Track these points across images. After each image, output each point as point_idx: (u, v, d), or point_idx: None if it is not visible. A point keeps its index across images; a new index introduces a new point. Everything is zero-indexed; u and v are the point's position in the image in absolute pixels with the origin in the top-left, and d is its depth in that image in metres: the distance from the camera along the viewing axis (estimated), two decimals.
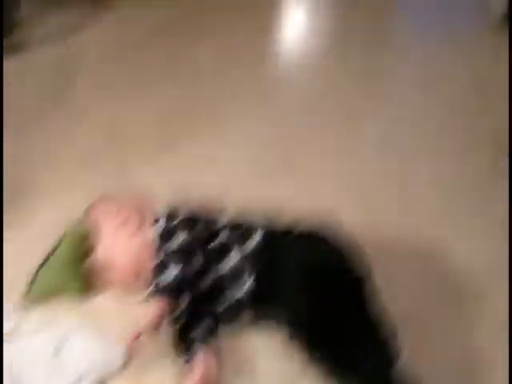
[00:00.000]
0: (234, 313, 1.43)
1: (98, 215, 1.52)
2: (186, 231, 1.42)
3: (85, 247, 1.48)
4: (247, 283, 1.39)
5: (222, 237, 1.43)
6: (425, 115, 2.12)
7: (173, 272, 1.36)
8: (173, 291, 1.36)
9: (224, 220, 1.47)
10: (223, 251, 1.41)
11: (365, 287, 1.38)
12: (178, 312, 1.37)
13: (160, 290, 1.37)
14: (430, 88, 2.29)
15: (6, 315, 1.44)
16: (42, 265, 1.50)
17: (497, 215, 1.70)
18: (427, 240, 1.64)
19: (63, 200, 1.77)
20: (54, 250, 1.50)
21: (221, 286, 1.41)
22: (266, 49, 2.59)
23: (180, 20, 2.73)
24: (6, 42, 2.37)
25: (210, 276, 1.40)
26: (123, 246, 1.48)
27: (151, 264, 1.44)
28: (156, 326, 1.36)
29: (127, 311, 1.46)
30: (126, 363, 1.36)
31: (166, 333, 1.38)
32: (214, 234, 1.43)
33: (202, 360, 1.33)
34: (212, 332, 1.41)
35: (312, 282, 1.36)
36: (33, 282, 1.49)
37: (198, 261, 1.39)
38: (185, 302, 1.37)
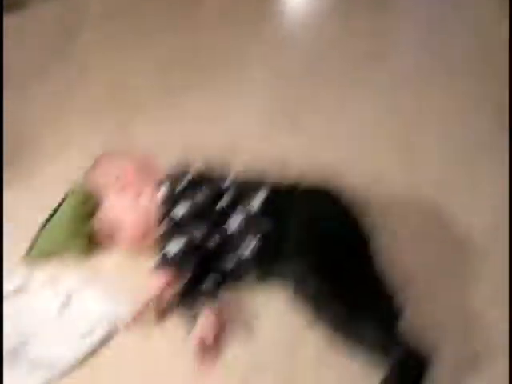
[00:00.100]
0: (239, 271, 1.43)
1: (100, 178, 1.53)
2: (190, 199, 1.41)
3: (89, 206, 1.49)
4: (252, 243, 1.39)
5: (227, 198, 1.43)
6: (428, 77, 2.11)
7: (178, 244, 1.36)
8: (178, 263, 1.36)
9: (228, 180, 1.47)
10: (227, 213, 1.41)
11: (369, 244, 1.39)
12: (183, 282, 1.39)
13: (166, 262, 1.36)
14: (433, 50, 2.28)
15: (10, 274, 1.45)
16: (45, 223, 1.50)
17: (499, 176, 1.70)
18: (429, 199, 1.64)
19: (64, 157, 1.78)
20: (57, 209, 1.50)
21: (226, 246, 1.41)
22: (271, 7, 2.56)
23: None
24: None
25: (216, 237, 1.41)
26: (128, 207, 1.48)
27: (156, 228, 1.45)
28: (162, 297, 1.37)
29: (134, 269, 1.47)
30: (134, 318, 1.37)
31: (173, 298, 1.39)
32: (219, 196, 1.43)
33: (207, 315, 1.35)
34: (218, 288, 1.42)
35: (316, 239, 1.36)
36: (36, 240, 1.50)
37: (202, 229, 1.39)
38: (190, 271, 1.38)
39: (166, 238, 1.38)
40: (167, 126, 1.90)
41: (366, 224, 1.41)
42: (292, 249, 1.36)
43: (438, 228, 1.57)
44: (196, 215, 1.39)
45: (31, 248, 1.50)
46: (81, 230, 1.50)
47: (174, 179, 1.47)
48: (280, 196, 1.43)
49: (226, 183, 1.46)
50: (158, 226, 1.44)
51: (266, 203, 1.41)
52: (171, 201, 1.42)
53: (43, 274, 1.47)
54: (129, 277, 1.47)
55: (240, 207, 1.42)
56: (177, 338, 1.35)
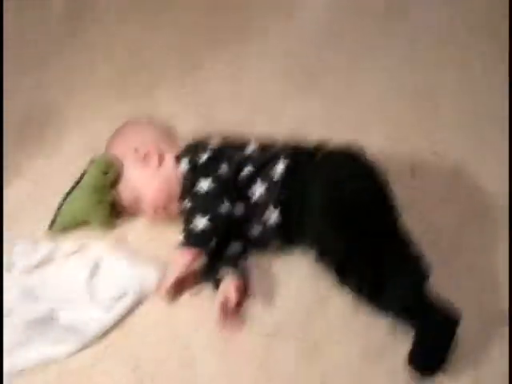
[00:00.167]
0: (263, 239, 1.44)
1: (120, 148, 1.52)
2: (213, 173, 1.40)
3: (110, 177, 1.49)
4: (275, 211, 1.39)
5: (249, 168, 1.42)
6: (447, 35, 2.09)
7: (203, 220, 1.35)
8: (205, 239, 1.36)
9: (249, 148, 1.46)
10: (250, 182, 1.41)
11: (394, 204, 1.38)
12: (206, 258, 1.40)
13: (192, 238, 1.36)
14: (456, 6, 2.21)
15: (33, 247, 1.47)
16: (67, 194, 1.51)
17: None
18: (453, 162, 1.64)
19: (87, 130, 1.78)
20: (80, 179, 1.51)
21: (250, 215, 1.42)
22: None
23: None
24: None
25: (240, 206, 1.41)
26: (149, 178, 1.48)
27: (178, 201, 1.45)
28: (188, 272, 1.37)
29: (159, 238, 1.49)
30: (161, 291, 1.39)
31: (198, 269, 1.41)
32: (241, 166, 1.42)
33: (229, 281, 1.36)
34: (241, 255, 1.44)
35: (340, 201, 1.34)
36: (59, 211, 1.51)
37: (227, 202, 1.39)
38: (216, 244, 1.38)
39: (192, 213, 1.37)
40: (190, 93, 1.89)
41: (390, 185, 1.40)
42: (316, 213, 1.35)
43: (462, 189, 1.57)
44: (220, 189, 1.38)
45: (54, 220, 1.51)
46: (103, 200, 1.50)
47: (194, 152, 1.45)
48: (302, 162, 1.42)
49: (248, 152, 1.45)
50: (181, 199, 1.45)
51: (288, 170, 1.40)
52: (194, 175, 1.41)
53: (69, 244, 1.48)
54: (154, 246, 1.49)
55: (262, 175, 1.41)
56: (202, 305, 1.37)
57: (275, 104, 1.84)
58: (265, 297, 1.38)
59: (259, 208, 1.40)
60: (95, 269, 1.43)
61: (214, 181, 1.38)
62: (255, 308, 1.36)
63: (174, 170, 1.47)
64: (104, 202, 1.50)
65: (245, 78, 1.94)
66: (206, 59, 2.01)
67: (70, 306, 1.37)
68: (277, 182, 1.39)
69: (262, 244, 1.45)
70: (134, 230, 1.53)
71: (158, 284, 1.39)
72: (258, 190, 1.40)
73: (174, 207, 1.49)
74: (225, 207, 1.38)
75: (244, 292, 1.38)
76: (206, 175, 1.39)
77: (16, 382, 1.27)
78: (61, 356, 1.29)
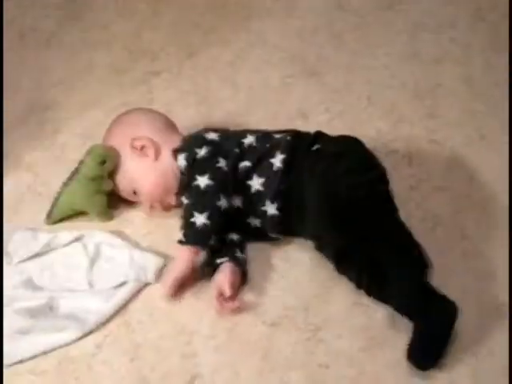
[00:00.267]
0: (259, 234, 1.44)
1: (117, 138, 1.52)
2: (212, 167, 1.39)
3: (108, 166, 1.49)
4: (271, 208, 1.39)
5: (248, 158, 1.41)
6: (447, 32, 2.09)
7: (204, 215, 1.35)
8: (205, 235, 1.36)
9: (246, 142, 1.44)
10: (250, 172, 1.40)
11: (391, 199, 1.37)
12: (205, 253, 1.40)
13: (192, 234, 1.35)
14: None
15: (33, 236, 1.47)
16: (64, 185, 1.51)
17: None
18: (450, 151, 1.64)
19: (85, 120, 1.78)
20: (77, 170, 1.51)
21: (250, 205, 1.41)
22: None
23: None
24: None
25: (239, 197, 1.41)
26: (146, 169, 1.48)
27: (176, 194, 1.46)
28: (187, 271, 1.37)
29: (158, 228, 1.50)
30: (161, 273, 1.40)
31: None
32: (240, 158, 1.41)
33: (222, 275, 1.36)
34: (238, 244, 1.43)
35: (334, 200, 1.32)
36: (56, 202, 1.51)
37: (227, 196, 1.38)
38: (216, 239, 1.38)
39: (190, 210, 1.36)
40: (188, 81, 1.90)
41: (389, 172, 1.40)
42: (313, 209, 1.34)
43: (459, 180, 1.56)
44: (218, 185, 1.38)
45: (51, 211, 1.52)
46: (100, 190, 1.50)
47: (191, 146, 1.44)
48: (299, 154, 1.40)
49: (245, 144, 1.44)
50: (179, 194, 1.45)
51: (285, 163, 1.39)
52: (191, 171, 1.40)
53: (69, 233, 1.48)
54: (152, 238, 1.49)
55: (260, 169, 1.40)
56: (205, 294, 1.37)
57: (274, 93, 1.84)
58: (265, 287, 1.38)
59: (257, 201, 1.40)
60: (95, 257, 1.44)
61: (211, 177, 1.37)
62: (257, 299, 1.36)
63: (171, 164, 1.46)
64: (101, 193, 1.51)
65: (243, 66, 1.93)
66: (204, 47, 2.01)
67: (70, 295, 1.37)
68: (275, 176, 1.39)
69: (260, 235, 1.45)
70: (132, 223, 1.53)
71: (158, 273, 1.40)
72: (256, 183, 1.40)
73: (171, 200, 1.49)
74: (223, 203, 1.37)
75: (239, 282, 1.37)
76: (204, 172, 1.38)
77: (16, 370, 1.27)
78: (61, 344, 1.30)
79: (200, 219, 1.34)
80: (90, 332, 1.31)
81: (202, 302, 1.36)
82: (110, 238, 1.47)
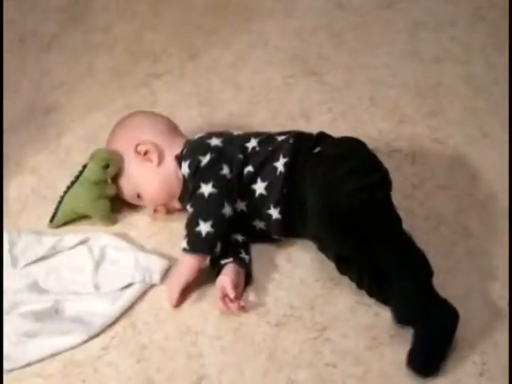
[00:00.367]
0: (263, 236, 1.45)
1: (120, 143, 1.51)
2: (216, 174, 1.39)
3: (111, 171, 1.49)
4: (274, 212, 1.39)
5: (252, 163, 1.41)
6: (448, 31, 2.10)
7: (204, 228, 1.35)
8: (210, 244, 1.36)
9: (249, 146, 1.44)
10: (254, 177, 1.40)
11: (391, 202, 1.34)
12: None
13: (197, 243, 1.35)
14: None
15: (38, 240, 1.48)
16: (68, 188, 1.51)
17: None
18: (453, 150, 1.64)
19: (88, 123, 1.79)
20: (80, 174, 1.51)
21: (253, 209, 1.42)
22: None
23: None
24: None
25: (243, 201, 1.41)
26: (149, 175, 1.48)
27: (180, 201, 1.47)
28: (192, 278, 1.37)
29: (162, 231, 1.51)
30: (166, 275, 1.41)
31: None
32: (244, 163, 1.41)
33: (225, 276, 1.36)
34: (242, 245, 1.43)
35: (334, 207, 1.29)
36: (60, 205, 1.52)
37: (232, 203, 1.39)
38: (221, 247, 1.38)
39: (194, 219, 1.36)
40: (190, 83, 1.91)
41: (390, 174, 1.39)
42: (313, 214, 1.33)
43: (462, 178, 1.57)
44: (222, 193, 1.37)
45: (55, 215, 1.52)
46: (103, 195, 1.50)
47: (195, 153, 1.43)
48: (301, 157, 1.39)
49: (249, 149, 1.44)
50: (182, 199, 1.46)
51: (288, 167, 1.38)
52: (195, 179, 1.40)
53: (74, 236, 1.49)
54: (156, 240, 1.50)
55: (263, 174, 1.40)
56: (211, 295, 1.37)
57: (276, 93, 1.84)
58: (269, 288, 1.38)
59: (261, 205, 1.40)
60: (100, 260, 1.44)
61: (215, 185, 1.37)
62: (262, 299, 1.36)
63: (175, 169, 1.47)
64: (104, 197, 1.51)
65: (245, 67, 1.94)
66: (206, 49, 2.02)
67: (75, 298, 1.38)
68: (277, 179, 1.39)
69: (265, 237, 1.45)
70: (136, 226, 1.53)
71: (163, 274, 1.40)
72: (260, 187, 1.40)
73: (175, 204, 1.50)
74: (227, 211, 1.37)
75: (243, 282, 1.38)
76: (208, 180, 1.38)
77: (23, 373, 1.27)
78: (67, 347, 1.30)
79: (205, 227, 1.35)
80: (96, 335, 1.31)
81: (206, 303, 1.36)
82: (115, 241, 1.47)
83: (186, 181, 1.44)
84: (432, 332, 1.20)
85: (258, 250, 1.45)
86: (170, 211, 1.51)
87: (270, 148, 1.42)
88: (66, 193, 1.51)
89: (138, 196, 1.51)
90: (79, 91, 1.90)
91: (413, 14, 2.10)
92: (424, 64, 1.91)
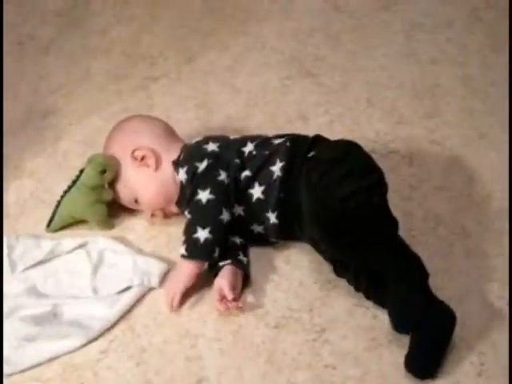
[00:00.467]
0: (261, 239, 1.45)
1: (117, 148, 1.51)
2: (213, 181, 1.39)
3: (108, 176, 1.49)
4: (272, 216, 1.39)
5: (248, 168, 1.41)
6: (444, 32, 2.10)
7: (202, 235, 1.35)
8: (205, 254, 1.36)
9: (246, 151, 1.43)
10: (250, 182, 1.40)
11: (386, 206, 1.34)
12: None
13: (196, 250, 1.35)
14: None
15: (36, 244, 1.48)
16: (65, 193, 1.51)
17: None
18: (450, 151, 1.65)
19: (86, 127, 1.79)
20: (77, 178, 1.51)
21: (251, 214, 1.41)
22: None
23: None
24: None
25: (241, 206, 1.41)
26: (146, 180, 1.48)
27: (178, 206, 1.47)
28: (190, 284, 1.37)
29: (160, 235, 1.51)
30: (165, 278, 1.41)
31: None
32: (241, 168, 1.41)
33: (222, 278, 1.35)
34: (240, 247, 1.43)
35: (328, 211, 1.30)
36: (56, 210, 1.52)
37: (229, 208, 1.39)
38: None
39: (192, 225, 1.36)
40: (187, 86, 1.91)
41: (387, 176, 1.39)
42: (308, 219, 1.34)
43: (459, 179, 1.57)
44: (219, 199, 1.38)
45: (52, 219, 1.52)
46: (100, 199, 1.50)
47: (192, 159, 1.43)
48: (297, 160, 1.39)
49: (246, 153, 1.43)
50: (179, 204, 1.46)
51: (284, 171, 1.38)
52: (192, 185, 1.40)
53: (72, 240, 1.49)
54: (155, 244, 1.50)
55: (260, 178, 1.40)
56: (209, 297, 1.37)
57: (273, 96, 1.85)
58: (268, 290, 1.38)
59: (259, 209, 1.40)
60: (98, 263, 1.44)
61: (212, 191, 1.37)
62: (260, 301, 1.36)
63: (172, 174, 1.46)
64: (101, 202, 1.51)
65: (242, 70, 1.95)
66: (203, 52, 2.02)
67: (74, 302, 1.38)
68: (274, 183, 1.38)
69: (262, 241, 1.45)
70: (134, 230, 1.53)
71: (162, 278, 1.40)
72: (257, 191, 1.40)
73: (173, 209, 1.50)
74: (225, 217, 1.37)
75: (240, 284, 1.38)
76: (205, 186, 1.38)
77: (21, 378, 1.27)
78: (65, 351, 1.29)
79: (203, 234, 1.35)
80: (95, 338, 1.31)
81: (205, 306, 1.36)
82: (113, 245, 1.47)
83: (183, 186, 1.44)
84: (429, 335, 1.20)
85: (256, 253, 1.45)
86: (167, 215, 1.51)
87: (266, 152, 1.42)
88: (62, 197, 1.51)
89: (136, 201, 1.51)
90: (77, 94, 1.90)
91: (409, 15, 2.10)
92: (421, 65, 1.92)
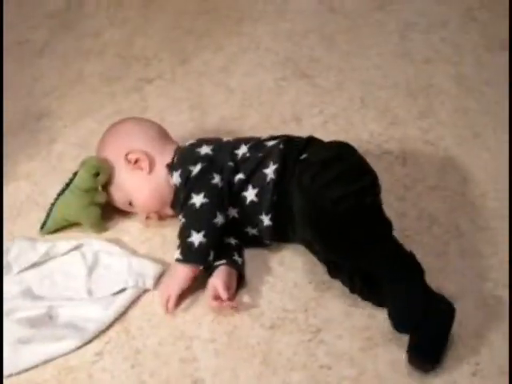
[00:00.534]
0: (255, 241, 1.45)
1: (110, 151, 1.51)
2: (207, 185, 1.39)
3: (101, 179, 1.49)
4: (265, 219, 1.39)
5: (242, 171, 1.40)
6: (438, 32, 2.10)
7: (196, 239, 1.35)
8: (199, 258, 1.36)
9: (240, 153, 1.43)
10: (244, 184, 1.40)
11: (379, 207, 1.34)
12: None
13: (190, 253, 1.35)
14: None
15: (31, 246, 1.48)
16: (58, 196, 1.51)
17: None
18: (444, 151, 1.64)
19: (80, 130, 1.79)
20: (70, 181, 1.51)
21: (245, 217, 1.41)
22: None
23: None
24: None
25: (235, 208, 1.41)
26: (140, 183, 1.48)
27: (172, 209, 1.47)
28: (185, 287, 1.37)
29: (154, 239, 1.51)
30: (160, 280, 1.41)
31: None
32: (235, 171, 1.41)
33: (217, 278, 1.35)
34: (234, 247, 1.43)
35: (319, 214, 1.29)
36: (50, 212, 1.52)
37: (223, 212, 1.39)
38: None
39: (186, 229, 1.36)
40: (181, 87, 1.91)
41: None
42: (300, 221, 1.34)
43: (453, 179, 1.57)
44: (213, 203, 1.37)
45: (45, 222, 1.52)
46: (93, 202, 1.50)
47: (185, 163, 1.43)
48: (290, 162, 1.38)
49: (239, 156, 1.43)
50: (174, 207, 1.46)
51: (277, 173, 1.38)
52: (186, 189, 1.40)
53: (67, 242, 1.49)
54: (150, 246, 1.50)
55: (253, 181, 1.40)
56: (204, 299, 1.37)
57: (267, 97, 1.85)
58: (263, 291, 1.38)
59: (253, 211, 1.40)
60: (93, 265, 1.44)
61: (206, 195, 1.37)
62: (255, 302, 1.36)
63: (166, 177, 1.46)
64: (94, 205, 1.51)
65: (236, 71, 1.95)
66: (197, 53, 2.03)
67: (69, 303, 1.38)
68: (268, 186, 1.38)
69: (257, 242, 1.45)
70: (129, 232, 1.53)
71: (157, 279, 1.40)
72: (251, 194, 1.40)
73: (167, 211, 1.50)
74: (219, 220, 1.37)
75: (235, 283, 1.38)
76: (199, 190, 1.38)
77: (17, 380, 1.27)
78: (61, 353, 1.30)
79: (197, 238, 1.35)
80: (90, 340, 1.31)
81: (200, 307, 1.36)
82: (108, 246, 1.47)
83: (177, 190, 1.44)
84: (430, 330, 1.20)
85: (251, 254, 1.45)
86: (162, 217, 1.51)
87: (260, 154, 1.42)
88: (56, 200, 1.51)
89: (130, 203, 1.51)
90: (70, 97, 1.91)
91: (404, 15, 2.11)
92: (415, 65, 1.92)
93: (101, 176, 1.48)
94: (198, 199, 1.37)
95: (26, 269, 1.44)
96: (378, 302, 1.30)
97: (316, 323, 1.31)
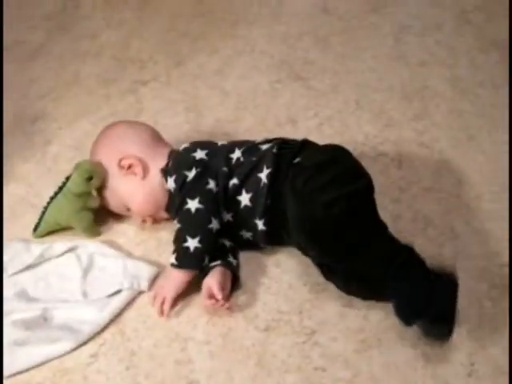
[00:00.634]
0: (249, 244, 1.45)
1: (104, 155, 1.50)
2: (202, 189, 1.38)
3: (95, 183, 1.48)
4: (259, 223, 1.39)
5: (237, 175, 1.40)
6: (433, 35, 2.11)
7: (191, 244, 1.35)
8: (195, 263, 1.36)
9: (234, 158, 1.43)
10: (239, 189, 1.40)
11: (372, 210, 1.33)
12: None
13: (186, 259, 1.35)
14: None
15: (26, 248, 1.48)
16: (51, 199, 1.51)
17: None
18: (439, 154, 1.65)
19: (75, 132, 1.79)
20: (63, 184, 1.50)
21: (239, 220, 1.41)
22: None
23: None
24: None
25: (229, 213, 1.41)
26: (134, 188, 1.47)
27: (166, 213, 1.47)
28: (180, 291, 1.37)
29: (149, 242, 1.51)
30: (155, 282, 1.41)
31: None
32: (226, 183, 1.40)
33: (211, 279, 1.35)
34: (229, 249, 1.43)
35: (310, 219, 1.27)
36: (43, 216, 1.52)
37: (218, 217, 1.39)
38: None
39: (182, 235, 1.36)
40: (176, 90, 1.92)
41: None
42: (292, 225, 1.33)
43: (448, 181, 1.57)
44: (208, 208, 1.37)
45: (38, 225, 1.52)
46: (86, 206, 1.50)
47: (180, 168, 1.43)
48: (284, 166, 1.38)
49: (233, 160, 1.43)
50: (170, 212, 1.46)
51: (271, 177, 1.37)
52: (181, 195, 1.40)
53: (62, 244, 1.49)
54: (145, 248, 1.50)
55: (247, 186, 1.40)
56: (199, 301, 1.37)
57: (262, 99, 1.85)
58: (258, 292, 1.38)
59: (247, 216, 1.40)
60: (88, 267, 1.44)
61: (201, 201, 1.37)
62: (250, 303, 1.36)
63: (160, 182, 1.46)
64: (87, 209, 1.50)
65: (231, 74, 1.95)
66: (192, 55, 2.03)
67: (64, 306, 1.38)
68: (261, 190, 1.38)
69: (252, 246, 1.45)
70: (125, 234, 1.53)
71: (152, 281, 1.40)
72: (245, 198, 1.40)
73: (163, 215, 1.50)
74: (214, 225, 1.37)
75: (230, 284, 1.38)
76: (194, 196, 1.38)
77: (10, 382, 1.27)
78: (55, 356, 1.30)
79: (193, 243, 1.35)
80: (85, 342, 1.31)
81: (195, 309, 1.36)
82: (103, 248, 1.47)
83: (172, 195, 1.44)
84: (436, 314, 1.20)
85: (246, 256, 1.45)
86: (157, 221, 1.51)
87: (253, 158, 1.42)
88: (49, 203, 1.51)
89: (125, 208, 1.51)
90: (66, 99, 1.91)
91: (398, 18, 2.11)
92: (410, 68, 1.92)
93: (94, 180, 1.48)
94: (193, 204, 1.37)
95: (21, 271, 1.44)
96: (377, 299, 1.30)
97: (311, 325, 1.31)
